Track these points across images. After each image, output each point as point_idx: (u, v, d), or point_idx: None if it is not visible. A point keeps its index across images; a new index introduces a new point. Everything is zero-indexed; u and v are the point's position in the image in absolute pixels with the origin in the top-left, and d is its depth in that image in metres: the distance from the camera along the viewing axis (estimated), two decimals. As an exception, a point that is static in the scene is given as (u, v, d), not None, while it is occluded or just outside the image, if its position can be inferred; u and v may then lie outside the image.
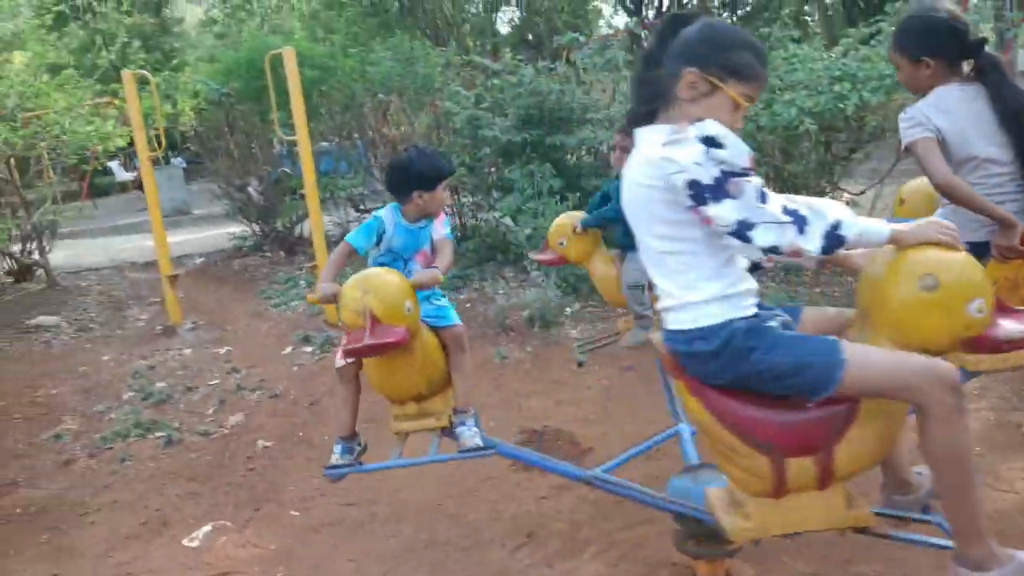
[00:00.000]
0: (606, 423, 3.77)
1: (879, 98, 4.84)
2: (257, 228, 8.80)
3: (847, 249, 1.64)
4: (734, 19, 29.24)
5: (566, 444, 3.57)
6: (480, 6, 24.70)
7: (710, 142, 1.60)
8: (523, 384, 4.39)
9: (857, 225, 1.58)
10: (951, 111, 2.36)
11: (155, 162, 14.08)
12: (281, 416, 4.31)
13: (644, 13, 28.19)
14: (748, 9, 28.07)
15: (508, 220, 6.42)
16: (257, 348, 5.54)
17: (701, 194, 1.59)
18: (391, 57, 9.37)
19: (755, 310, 1.71)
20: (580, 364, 4.19)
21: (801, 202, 1.60)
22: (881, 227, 1.60)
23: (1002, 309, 1.63)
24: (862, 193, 5.87)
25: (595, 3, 28.95)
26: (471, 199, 7.05)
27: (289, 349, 5.40)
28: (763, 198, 1.58)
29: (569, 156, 6.39)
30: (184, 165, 15.71)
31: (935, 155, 2.32)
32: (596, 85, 6.67)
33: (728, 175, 1.58)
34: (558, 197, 5.83)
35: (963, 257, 1.60)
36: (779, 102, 4.89)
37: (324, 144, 8.62)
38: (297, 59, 5.70)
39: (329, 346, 5.24)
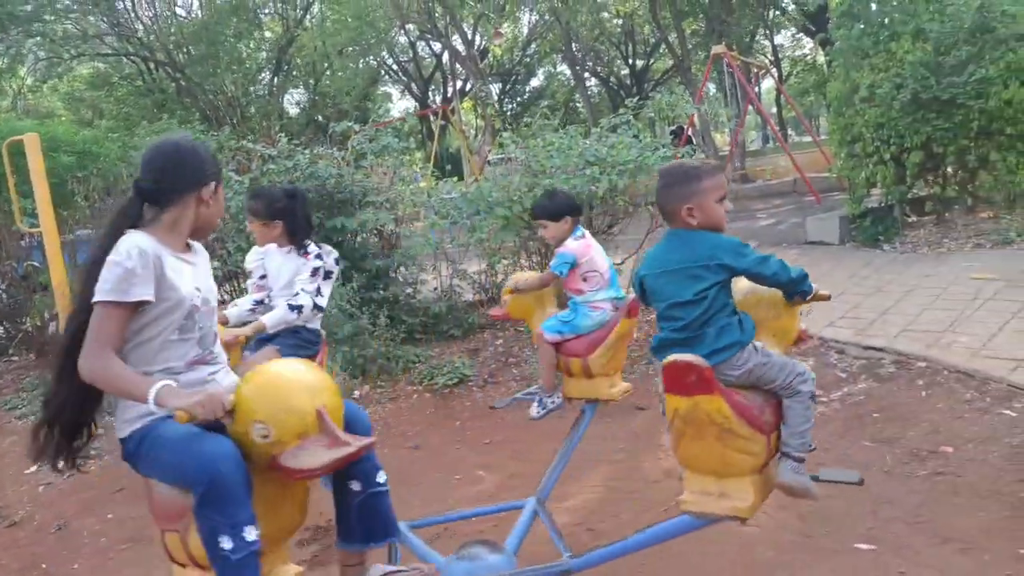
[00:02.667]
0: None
1: (625, 181, 5.42)
2: (0, 330, 7.75)
3: None
4: (514, 106, 31.57)
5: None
6: (266, 88, 24.35)
7: None
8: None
9: None
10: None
11: None
12: (20, 547, 3.74)
13: (431, 99, 29.46)
14: (525, 97, 30.48)
15: (292, 303, 6.22)
16: (-6, 469, 4.81)
17: None
18: (159, 141, 8.89)
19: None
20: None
21: None
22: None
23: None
24: (623, 263, 6.46)
25: (383, 88, 29.78)
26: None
27: (35, 467, 4.74)
28: None
29: (352, 238, 6.40)
30: None
31: None
32: (377, 169, 6.80)
33: None
34: (342, 279, 5.78)
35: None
36: (540, 186, 5.30)
37: (83, 232, 7.87)
38: (54, 144, 5.24)
39: (83, 459, 4.67)
